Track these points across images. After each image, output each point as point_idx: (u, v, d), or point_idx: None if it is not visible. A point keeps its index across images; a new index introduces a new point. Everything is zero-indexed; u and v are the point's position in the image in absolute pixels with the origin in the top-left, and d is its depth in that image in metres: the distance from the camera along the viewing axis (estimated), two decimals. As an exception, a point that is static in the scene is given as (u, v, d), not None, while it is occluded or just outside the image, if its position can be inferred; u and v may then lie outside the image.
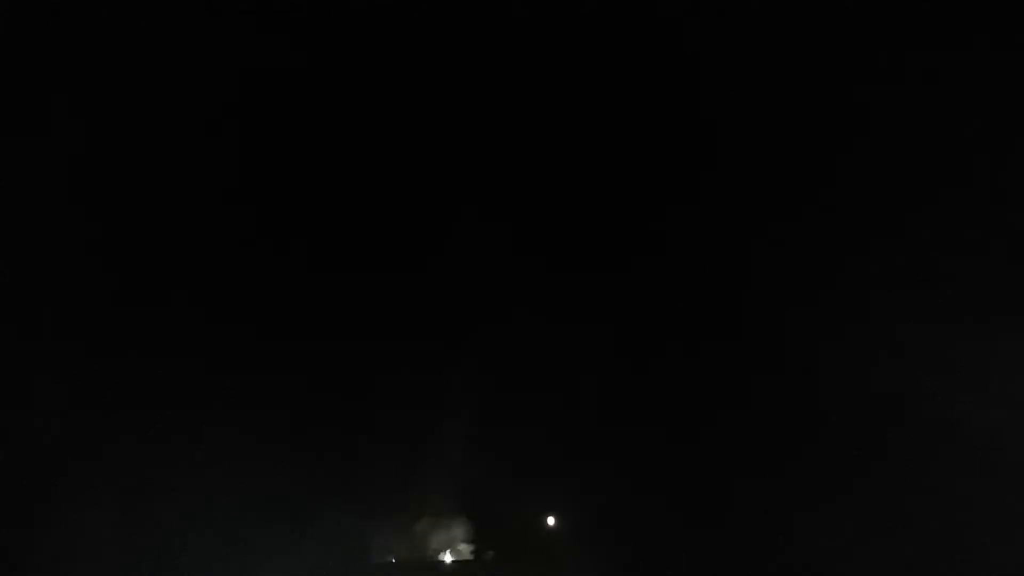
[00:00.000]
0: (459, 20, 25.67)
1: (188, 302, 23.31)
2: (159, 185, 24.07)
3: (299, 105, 26.45)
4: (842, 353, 23.46)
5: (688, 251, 26.93)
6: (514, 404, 28.44)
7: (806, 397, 23.92)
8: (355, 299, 27.71)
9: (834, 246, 24.53)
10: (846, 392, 23.28)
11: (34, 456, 19.66)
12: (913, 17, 22.66)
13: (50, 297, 21.76)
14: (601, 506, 26.90)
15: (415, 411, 27.85)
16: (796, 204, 24.85)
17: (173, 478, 20.86)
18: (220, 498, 22.30)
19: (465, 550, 31.46)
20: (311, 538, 24.63)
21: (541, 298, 28.18)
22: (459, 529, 31.77)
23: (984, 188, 22.31)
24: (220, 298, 24.16)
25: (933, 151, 23.02)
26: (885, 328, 23.00)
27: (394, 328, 28.99)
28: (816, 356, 23.76)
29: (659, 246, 27.45)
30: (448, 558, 31.13)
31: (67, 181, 22.20)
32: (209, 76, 24.00)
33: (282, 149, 26.31)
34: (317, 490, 25.58)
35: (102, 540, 19.46)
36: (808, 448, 23.73)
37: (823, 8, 23.49)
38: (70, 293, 22.01)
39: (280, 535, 23.84)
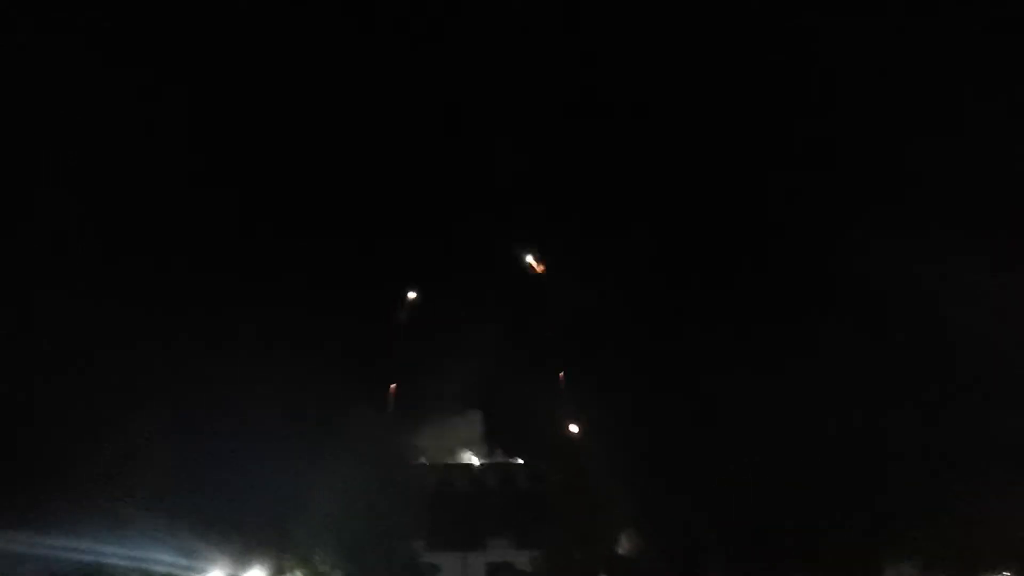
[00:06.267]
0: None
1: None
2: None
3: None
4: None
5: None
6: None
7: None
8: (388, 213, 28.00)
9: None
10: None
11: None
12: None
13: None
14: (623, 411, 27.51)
15: (442, 326, 28.47)
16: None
17: (218, 391, 21.48)
18: (261, 407, 23.00)
19: (489, 453, 32.82)
20: (348, 445, 25.49)
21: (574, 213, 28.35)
22: (481, 434, 33.01)
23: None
24: (266, 202, 24.34)
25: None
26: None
27: (421, 242, 29.36)
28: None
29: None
30: (475, 460, 32.48)
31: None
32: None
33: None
34: (350, 399, 26.41)
35: (151, 449, 20.31)
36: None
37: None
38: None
39: (317, 442, 24.73)
